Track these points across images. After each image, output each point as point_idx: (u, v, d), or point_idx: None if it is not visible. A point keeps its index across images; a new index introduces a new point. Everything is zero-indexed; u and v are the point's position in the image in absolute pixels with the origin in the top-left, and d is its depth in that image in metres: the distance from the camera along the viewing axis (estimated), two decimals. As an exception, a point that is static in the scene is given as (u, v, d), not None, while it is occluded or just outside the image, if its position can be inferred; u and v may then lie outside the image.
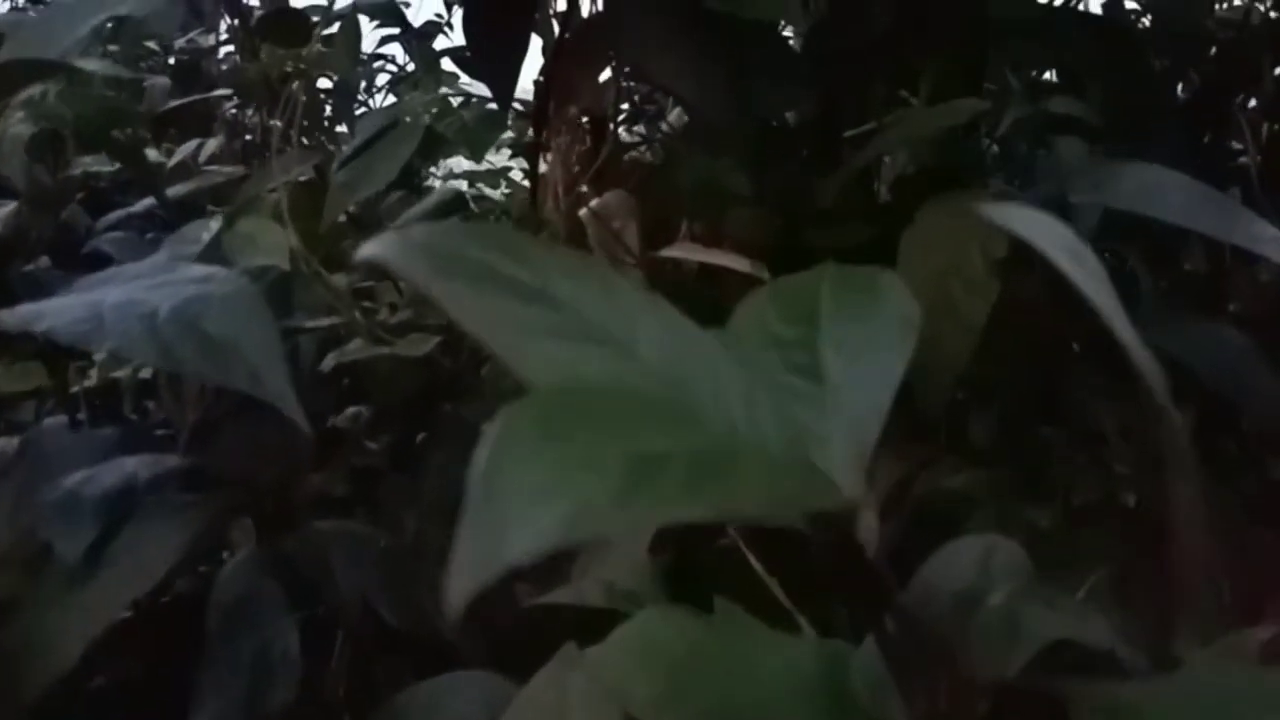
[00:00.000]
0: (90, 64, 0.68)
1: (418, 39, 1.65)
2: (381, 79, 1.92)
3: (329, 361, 0.94)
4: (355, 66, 1.14)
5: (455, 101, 1.94)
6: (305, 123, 1.05)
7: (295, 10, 1.40)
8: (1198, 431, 0.91)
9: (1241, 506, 0.83)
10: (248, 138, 1.51)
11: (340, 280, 1.28)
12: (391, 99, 1.93)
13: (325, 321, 0.80)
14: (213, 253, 0.80)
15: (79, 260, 1.43)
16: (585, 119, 1.00)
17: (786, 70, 0.87)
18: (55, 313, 0.48)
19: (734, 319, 0.38)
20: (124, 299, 0.48)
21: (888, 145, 0.81)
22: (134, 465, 0.62)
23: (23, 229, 1.45)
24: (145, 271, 0.54)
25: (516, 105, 1.19)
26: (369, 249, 0.28)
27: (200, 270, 0.53)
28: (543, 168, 1.02)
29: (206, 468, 0.66)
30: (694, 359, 0.29)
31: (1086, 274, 0.28)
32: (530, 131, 1.05)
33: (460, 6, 1.05)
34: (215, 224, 0.83)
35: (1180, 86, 0.97)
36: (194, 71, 1.79)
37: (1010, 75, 0.81)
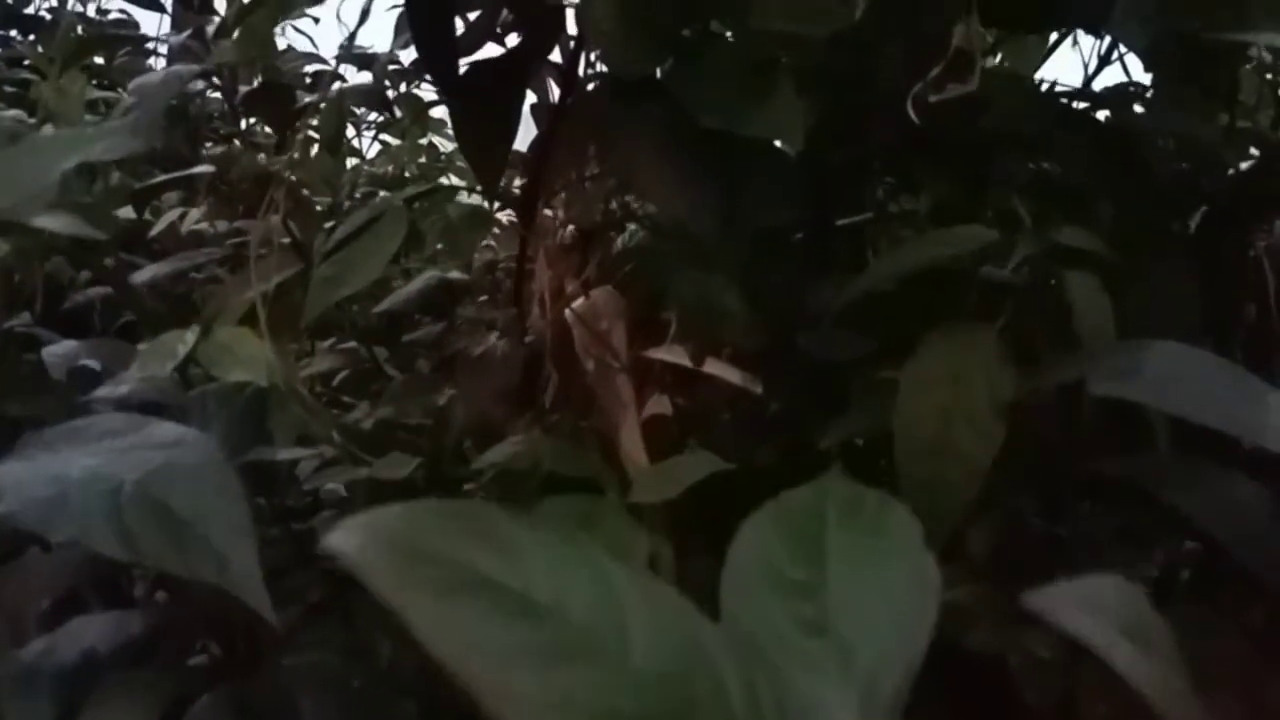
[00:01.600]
0: (50, 221, 0.66)
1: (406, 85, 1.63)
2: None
3: (306, 470, 0.91)
4: (340, 162, 1.11)
5: (444, 147, 1.92)
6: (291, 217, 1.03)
7: (282, 85, 1.38)
8: (1203, 557, 0.89)
9: (1247, 641, 0.81)
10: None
11: (322, 361, 1.25)
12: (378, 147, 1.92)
13: (301, 453, 0.77)
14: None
15: (61, 317, 1.41)
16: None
17: (781, 182, 0.84)
18: (15, 488, 0.45)
19: (736, 551, 0.35)
20: (88, 473, 0.45)
21: (886, 275, 0.78)
22: (95, 635, 0.59)
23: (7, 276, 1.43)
24: (116, 428, 0.51)
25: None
26: (334, 541, 0.25)
27: (170, 432, 0.50)
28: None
29: (171, 620, 0.63)
30: (691, 656, 0.27)
31: (1141, 660, 0.25)
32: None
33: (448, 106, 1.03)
34: (191, 335, 0.80)
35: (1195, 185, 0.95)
36: (182, 114, 1.77)
37: (1016, 199, 0.78)
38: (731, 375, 0.95)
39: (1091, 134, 0.86)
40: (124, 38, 1.56)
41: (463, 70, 1.01)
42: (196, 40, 1.56)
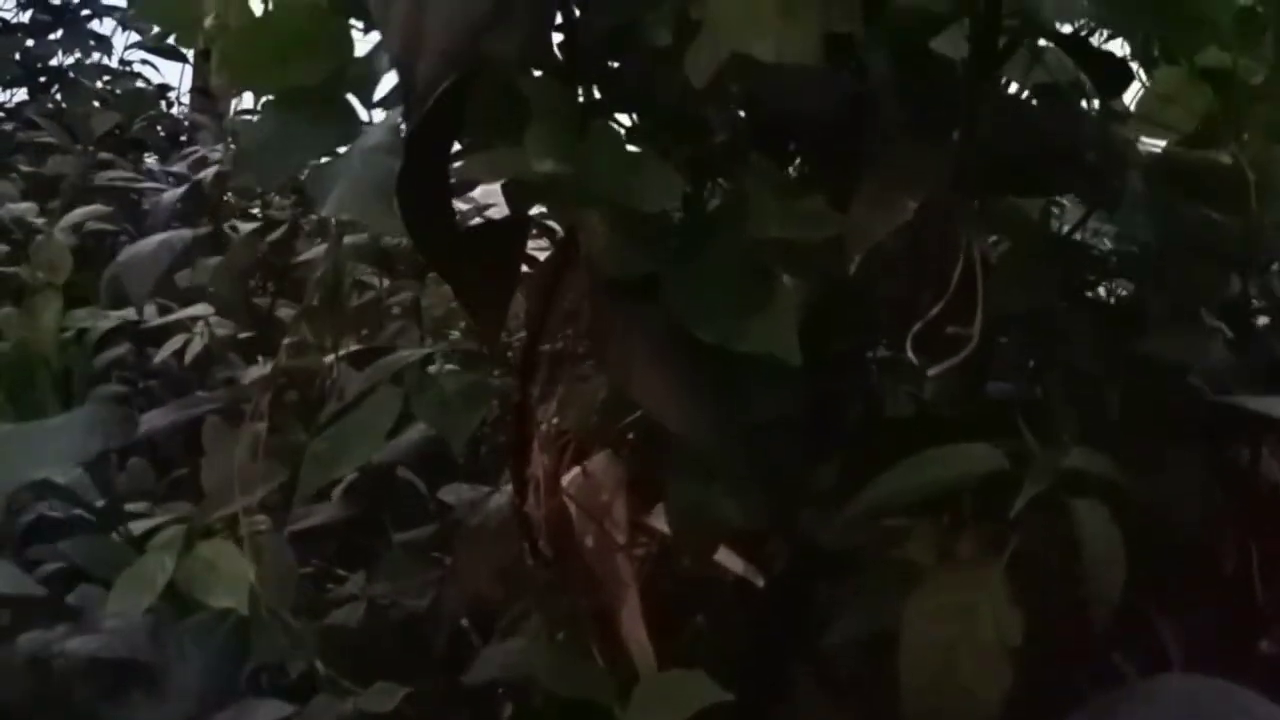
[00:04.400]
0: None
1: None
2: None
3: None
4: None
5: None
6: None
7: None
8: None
9: None
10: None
11: (315, 515, 1.22)
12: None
13: (282, 710, 0.74)
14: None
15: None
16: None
17: (780, 379, 0.82)
18: None
19: None
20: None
21: (888, 495, 0.76)
22: None
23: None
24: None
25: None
26: None
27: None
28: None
29: None
30: None
31: None
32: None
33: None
34: (170, 560, 0.77)
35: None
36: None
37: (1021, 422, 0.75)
38: (734, 564, 0.92)
39: (1100, 325, 0.83)
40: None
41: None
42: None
